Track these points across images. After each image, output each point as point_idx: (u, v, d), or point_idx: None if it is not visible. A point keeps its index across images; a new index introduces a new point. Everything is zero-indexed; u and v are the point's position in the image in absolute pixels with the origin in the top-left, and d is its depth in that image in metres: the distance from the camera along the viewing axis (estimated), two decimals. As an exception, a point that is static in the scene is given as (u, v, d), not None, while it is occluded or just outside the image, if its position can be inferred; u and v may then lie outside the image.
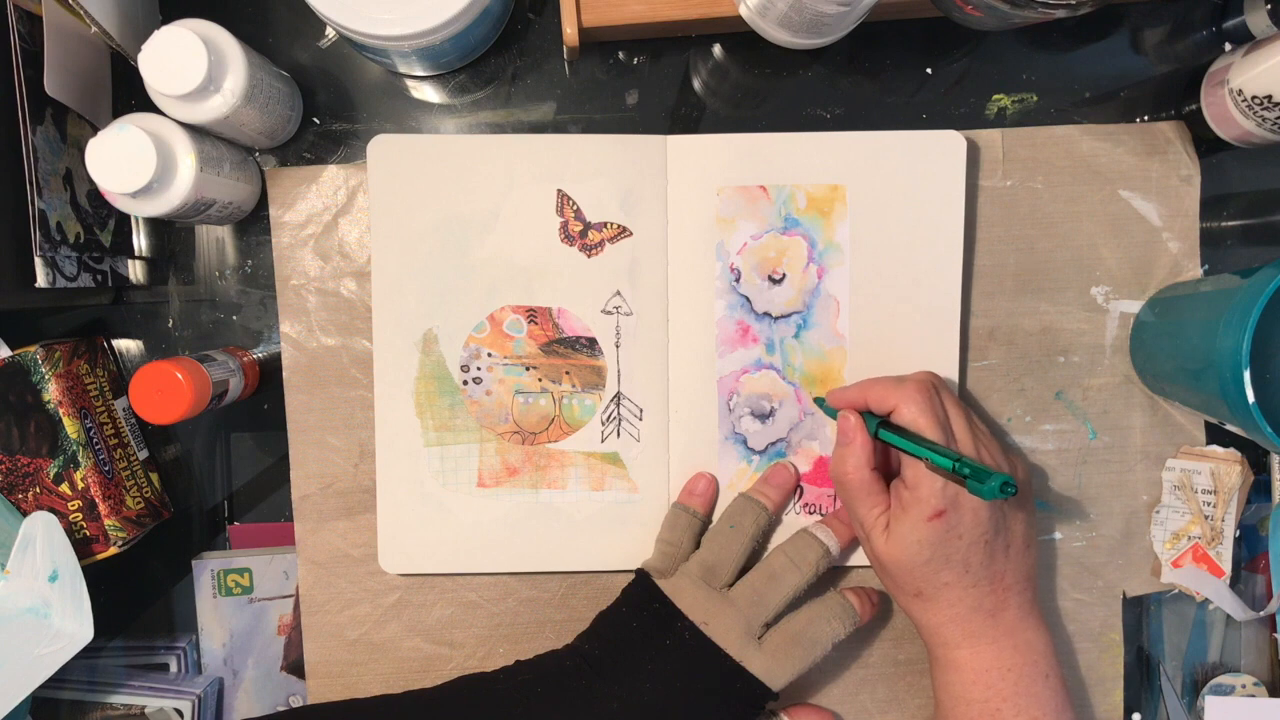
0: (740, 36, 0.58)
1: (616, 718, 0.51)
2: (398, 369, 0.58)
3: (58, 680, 0.57)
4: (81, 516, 0.56)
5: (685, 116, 0.60)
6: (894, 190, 0.57)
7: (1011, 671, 0.51)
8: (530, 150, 0.57)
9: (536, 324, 0.58)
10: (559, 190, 0.58)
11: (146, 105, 0.52)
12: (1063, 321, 0.60)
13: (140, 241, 0.61)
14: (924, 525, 0.49)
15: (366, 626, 0.60)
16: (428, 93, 0.61)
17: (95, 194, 0.57)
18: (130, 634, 0.62)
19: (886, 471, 0.54)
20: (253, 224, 0.61)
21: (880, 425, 0.52)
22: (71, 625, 0.53)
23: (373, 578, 0.60)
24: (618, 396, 0.58)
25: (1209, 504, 0.59)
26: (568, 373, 0.58)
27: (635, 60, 0.60)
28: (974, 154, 0.59)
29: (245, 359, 0.59)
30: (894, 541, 0.51)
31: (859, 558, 0.59)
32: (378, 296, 0.58)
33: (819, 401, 0.58)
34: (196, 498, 0.62)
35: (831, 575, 0.59)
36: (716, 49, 0.60)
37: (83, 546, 0.55)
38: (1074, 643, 0.60)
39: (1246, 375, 0.47)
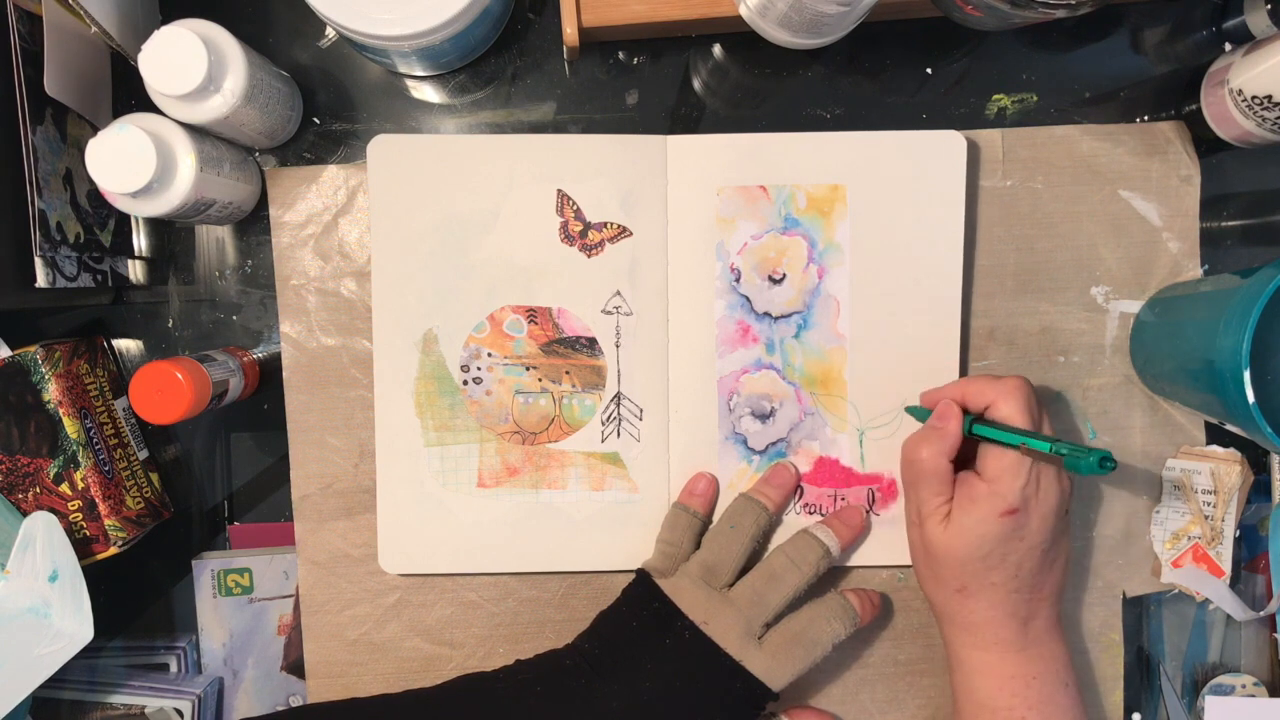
0: (740, 36, 0.58)
1: (616, 717, 0.51)
2: (398, 369, 0.58)
3: (58, 680, 0.57)
4: (81, 516, 0.56)
5: (685, 116, 0.60)
6: (894, 190, 0.57)
7: (1037, 679, 0.52)
8: (530, 150, 0.57)
9: (536, 324, 0.58)
10: (559, 190, 0.58)
11: (146, 105, 0.52)
12: (1063, 321, 0.60)
13: (140, 241, 0.61)
14: (994, 520, 0.49)
15: (366, 626, 0.60)
16: (428, 93, 0.61)
17: (95, 194, 0.57)
18: (130, 634, 0.62)
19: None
20: (253, 224, 0.61)
21: (974, 422, 0.52)
22: (71, 625, 0.53)
23: (373, 578, 0.60)
24: (618, 396, 0.58)
25: (1209, 504, 0.59)
26: (568, 373, 0.58)
27: (635, 60, 0.60)
28: (974, 154, 0.59)
29: (245, 359, 0.59)
30: (954, 532, 0.51)
31: (859, 558, 0.59)
32: (378, 296, 0.58)
33: (910, 410, 0.57)
34: (196, 498, 0.62)
35: (832, 576, 0.59)
36: (716, 49, 0.60)
37: (83, 546, 0.55)
38: (1074, 643, 0.60)
39: (1246, 375, 0.47)
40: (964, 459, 0.53)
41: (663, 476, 0.59)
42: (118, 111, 0.59)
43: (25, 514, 0.55)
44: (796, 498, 0.59)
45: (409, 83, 0.61)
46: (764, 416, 0.59)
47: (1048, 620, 0.52)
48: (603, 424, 0.59)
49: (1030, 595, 0.51)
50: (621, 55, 0.60)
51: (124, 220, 0.60)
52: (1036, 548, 0.50)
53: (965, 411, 0.53)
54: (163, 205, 0.51)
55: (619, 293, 0.58)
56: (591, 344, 0.58)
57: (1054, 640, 0.53)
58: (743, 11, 0.54)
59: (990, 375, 0.53)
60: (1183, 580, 0.59)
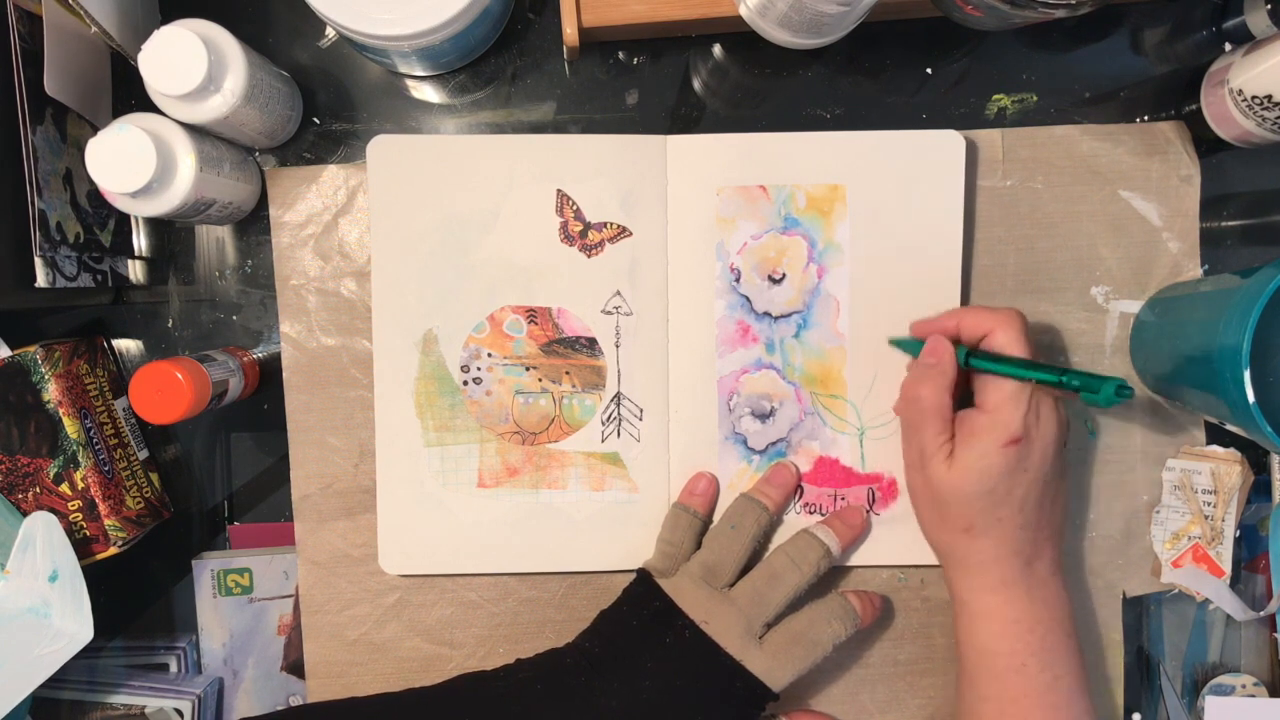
0: (740, 36, 0.58)
1: (616, 716, 0.51)
2: (398, 369, 0.58)
3: (58, 680, 0.57)
4: (81, 516, 0.56)
5: (685, 116, 0.60)
6: (894, 190, 0.57)
7: (1040, 624, 0.52)
8: (530, 150, 0.57)
9: (536, 324, 0.58)
10: (559, 190, 0.58)
11: (146, 105, 0.52)
12: (1063, 321, 0.60)
13: (140, 241, 0.61)
14: (997, 452, 0.49)
15: (366, 626, 0.60)
16: (428, 93, 0.61)
17: (95, 194, 0.57)
18: (130, 634, 0.62)
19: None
20: (253, 224, 0.61)
21: (969, 355, 0.51)
22: (71, 625, 0.53)
23: (373, 578, 0.60)
24: (618, 396, 0.58)
25: (1209, 504, 0.59)
26: (568, 373, 0.58)
27: (635, 60, 0.60)
28: (974, 154, 0.59)
29: (245, 359, 0.59)
30: (958, 468, 0.50)
31: (860, 558, 0.59)
32: (378, 296, 0.58)
33: (895, 342, 0.57)
34: (196, 498, 0.62)
35: (833, 576, 0.59)
36: (716, 49, 0.60)
37: (83, 546, 0.55)
38: (1074, 643, 0.60)
39: (1246, 375, 0.47)
40: (958, 400, 0.53)
41: (663, 476, 0.59)
42: (118, 111, 0.59)
43: (25, 514, 0.55)
44: (797, 498, 0.59)
45: (409, 83, 0.61)
46: (764, 416, 0.59)
47: (1051, 563, 0.53)
48: (603, 424, 0.59)
49: (1035, 532, 0.51)
50: (621, 55, 0.60)
51: (124, 220, 0.60)
52: (1039, 480, 0.50)
53: (958, 344, 0.52)
54: (163, 205, 0.51)
55: (619, 293, 0.58)
56: (591, 344, 0.58)
57: (1057, 585, 0.53)
58: (743, 11, 0.54)
59: (984, 306, 0.53)
60: (1183, 580, 0.59)
